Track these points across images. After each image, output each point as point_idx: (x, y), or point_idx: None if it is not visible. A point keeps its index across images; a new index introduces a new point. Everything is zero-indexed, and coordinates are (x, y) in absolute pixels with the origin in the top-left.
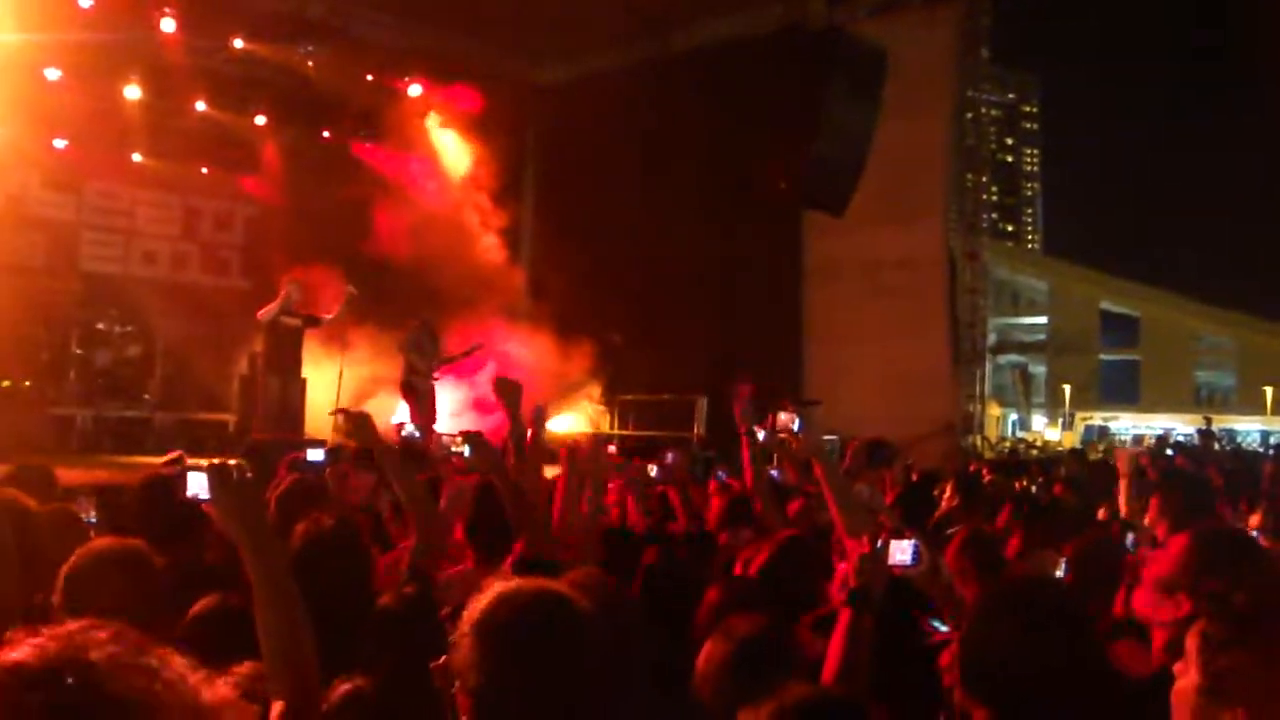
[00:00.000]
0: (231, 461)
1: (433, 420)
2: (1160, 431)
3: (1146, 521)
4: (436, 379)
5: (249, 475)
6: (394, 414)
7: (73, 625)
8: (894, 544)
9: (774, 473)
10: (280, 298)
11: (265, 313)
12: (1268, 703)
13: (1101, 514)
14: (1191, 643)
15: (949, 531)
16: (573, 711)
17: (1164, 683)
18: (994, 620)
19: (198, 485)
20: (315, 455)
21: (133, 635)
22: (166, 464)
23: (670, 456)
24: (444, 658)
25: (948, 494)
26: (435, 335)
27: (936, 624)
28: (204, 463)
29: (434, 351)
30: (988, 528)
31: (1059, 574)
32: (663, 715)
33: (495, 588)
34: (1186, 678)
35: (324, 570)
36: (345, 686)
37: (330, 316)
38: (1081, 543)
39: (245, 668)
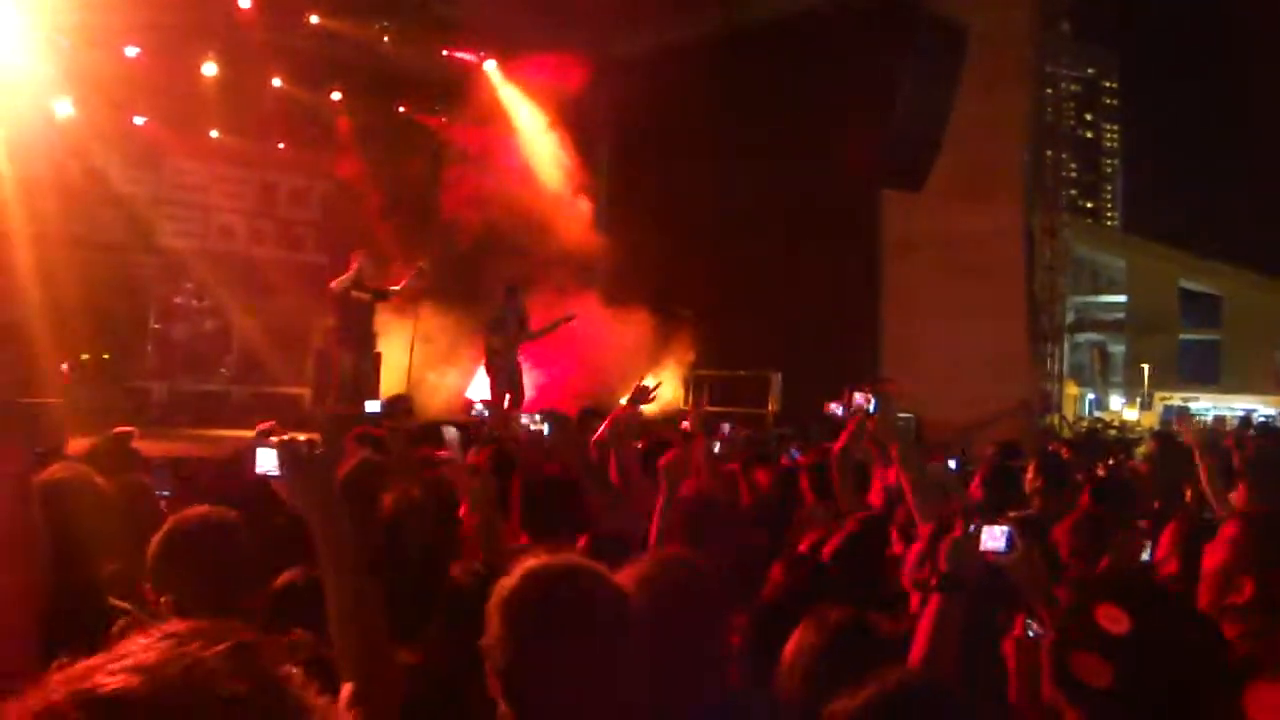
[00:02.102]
0: (302, 437)
1: (517, 398)
2: (1242, 413)
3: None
4: (521, 355)
5: (319, 451)
6: (466, 389)
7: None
8: (987, 529)
9: None
10: (352, 270)
11: (338, 284)
12: None
13: (1188, 495)
14: None
15: (1031, 513)
16: (603, 691)
17: (1242, 674)
18: (1087, 616)
19: (267, 462)
20: (372, 406)
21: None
22: (259, 435)
23: (727, 429)
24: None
25: (1029, 475)
26: (520, 311)
27: (1030, 622)
28: (274, 439)
29: (517, 327)
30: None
31: (1144, 557)
32: (727, 700)
33: (523, 565)
34: None
35: (414, 541)
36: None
37: (399, 288)
38: (1184, 526)
39: (297, 636)
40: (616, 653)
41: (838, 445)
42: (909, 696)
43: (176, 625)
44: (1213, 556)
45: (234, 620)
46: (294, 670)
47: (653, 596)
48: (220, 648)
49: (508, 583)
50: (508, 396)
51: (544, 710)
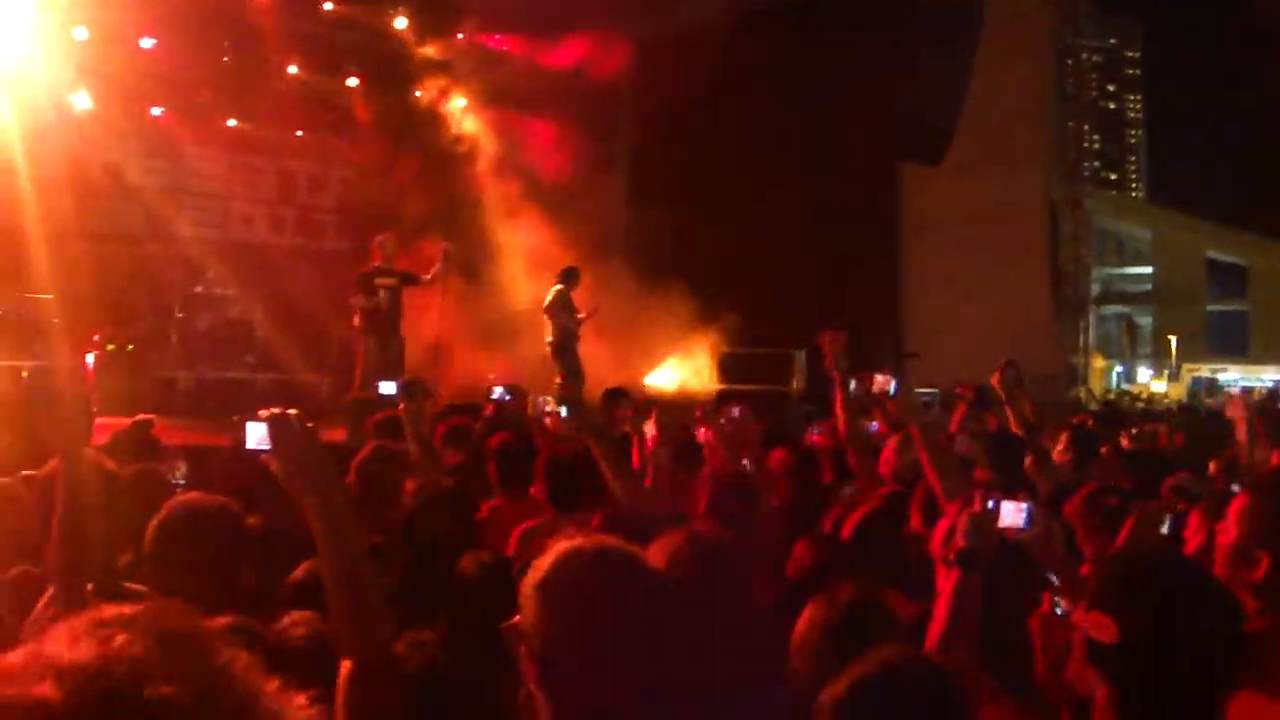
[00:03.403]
0: (291, 411)
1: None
2: (1271, 384)
3: None
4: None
5: (309, 425)
6: (491, 372)
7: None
8: (1006, 505)
9: (873, 425)
10: (377, 258)
11: (364, 271)
12: None
13: (1213, 468)
14: None
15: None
16: (643, 675)
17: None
18: (1119, 591)
19: (257, 437)
20: (387, 389)
21: (201, 636)
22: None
23: (737, 412)
24: (516, 618)
25: (1060, 447)
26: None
27: (1058, 599)
28: (263, 413)
29: (575, 311)
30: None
31: (1164, 530)
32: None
33: (559, 546)
34: None
35: (436, 530)
36: (409, 641)
37: (429, 276)
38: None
39: (295, 617)
40: (654, 635)
41: (840, 426)
42: (890, 677)
43: (106, 611)
44: (1227, 531)
45: (226, 608)
46: (238, 658)
47: (680, 575)
48: (147, 642)
49: (543, 564)
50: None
51: (580, 693)
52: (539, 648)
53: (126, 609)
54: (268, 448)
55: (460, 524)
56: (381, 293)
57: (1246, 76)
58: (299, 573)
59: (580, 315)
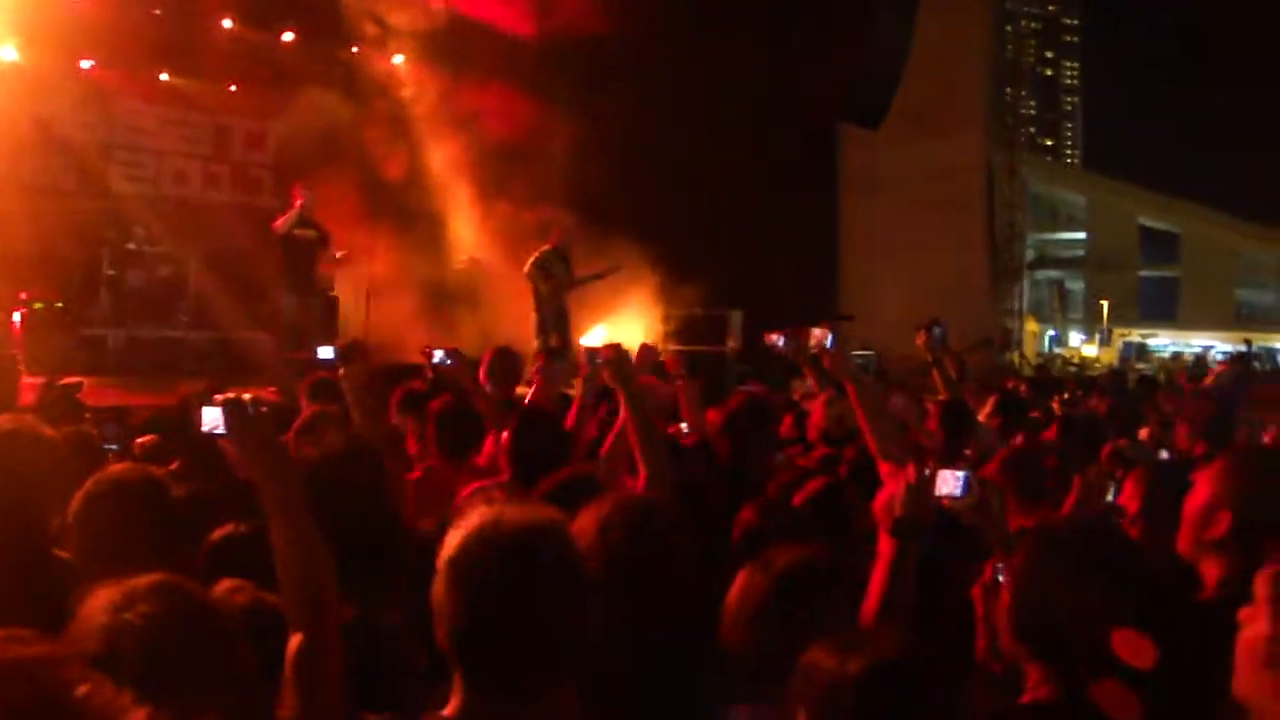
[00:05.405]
0: (247, 395)
1: (566, 341)
2: (1199, 350)
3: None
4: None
5: (264, 409)
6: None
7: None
8: (942, 473)
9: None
10: (296, 207)
11: (282, 222)
12: None
13: (1144, 434)
14: (1262, 588)
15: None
16: (559, 653)
17: (1214, 617)
18: (1045, 566)
19: (213, 420)
20: (325, 353)
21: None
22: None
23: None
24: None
25: (986, 412)
26: (566, 257)
27: (999, 567)
28: (219, 397)
29: (562, 274)
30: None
31: (1109, 498)
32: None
33: (471, 519)
34: (1255, 626)
35: (339, 495)
36: (348, 615)
37: (340, 255)
38: (1151, 470)
39: (227, 585)
40: (573, 613)
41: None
42: (906, 666)
43: None
44: (1194, 498)
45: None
46: (97, 693)
47: (614, 541)
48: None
49: (455, 541)
50: (554, 338)
51: (492, 671)
52: (452, 627)
53: None
54: (222, 431)
55: (369, 490)
56: (297, 232)
57: (1182, 45)
58: (216, 535)
59: (573, 277)
